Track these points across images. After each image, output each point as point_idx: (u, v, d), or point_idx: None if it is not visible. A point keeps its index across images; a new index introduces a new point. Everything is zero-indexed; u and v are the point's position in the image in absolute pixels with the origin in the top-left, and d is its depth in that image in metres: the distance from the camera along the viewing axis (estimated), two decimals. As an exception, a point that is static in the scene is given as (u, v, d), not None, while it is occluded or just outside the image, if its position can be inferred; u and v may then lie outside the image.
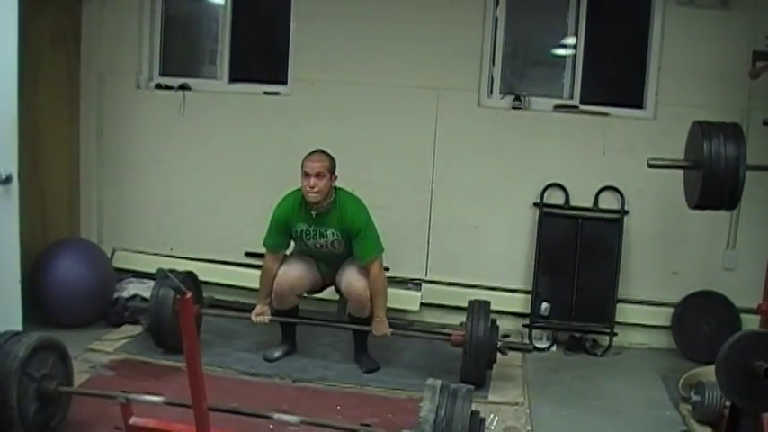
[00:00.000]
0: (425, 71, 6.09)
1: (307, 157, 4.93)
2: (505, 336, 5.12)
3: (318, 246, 5.09)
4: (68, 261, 5.65)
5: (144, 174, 6.56)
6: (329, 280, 5.33)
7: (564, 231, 6.04)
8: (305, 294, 5.33)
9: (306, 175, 4.86)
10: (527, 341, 5.84)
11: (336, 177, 4.98)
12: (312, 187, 4.84)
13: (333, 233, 5.02)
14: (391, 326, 5.11)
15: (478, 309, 4.94)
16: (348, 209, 5.00)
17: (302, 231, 5.06)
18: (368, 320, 5.15)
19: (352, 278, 5.07)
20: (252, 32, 6.65)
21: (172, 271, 3.55)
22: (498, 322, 5.02)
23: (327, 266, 5.26)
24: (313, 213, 4.99)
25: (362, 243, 5.02)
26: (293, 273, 5.14)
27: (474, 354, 4.80)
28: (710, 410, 4.32)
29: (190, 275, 5.21)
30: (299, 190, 4.99)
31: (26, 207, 4.67)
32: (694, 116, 4.03)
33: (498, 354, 4.93)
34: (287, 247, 5.21)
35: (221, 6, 6.56)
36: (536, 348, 5.86)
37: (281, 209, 5.09)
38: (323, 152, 4.95)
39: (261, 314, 5.19)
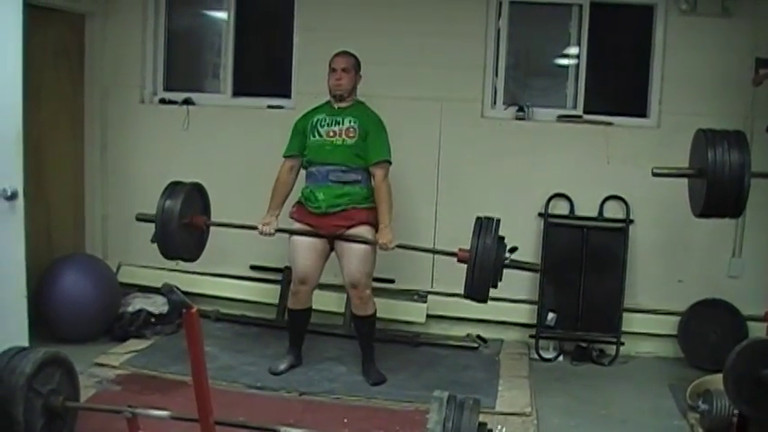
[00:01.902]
0: (429, 83, 6.11)
1: (334, 56, 5.26)
2: (514, 248, 4.88)
3: (331, 134, 5.14)
4: (74, 276, 5.65)
5: (148, 188, 6.50)
6: (330, 231, 5.11)
7: (569, 241, 6.04)
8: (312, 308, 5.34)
9: (333, 70, 5.21)
10: (533, 353, 5.83)
11: (361, 77, 5.30)
12: (339, 79, 5.17)
13: (350, 120, 5.15)
14: (397, 339, 5.09)
15: (486, 225, 4.65)
16: (367, 110, 5.27)
17: (318, 120, 5.19)
18: (371, 321, 5.18)
19: (353, 268, 5.04)
20: (255, 46, 6.68)
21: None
22: (504, 333, 4.98)
23: (328, 196, 5.10)
24: (335, 106, 5.21)
25: (376, 142, 5.14)
26: (303, 271, 5.13)
27: (479, 267, 4.54)
28: (718, 419, 4.29)
29: (196, 186, 5.14)
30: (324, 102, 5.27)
31: (31, 222, 4.67)
32: (698, 124, 4.02)
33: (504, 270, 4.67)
34: (303, 150, 5.24)
35: (224, 21, 6.59)
36: (543, 359, 5.85)
37: (305, 113, 5.32)
38: (349, 53, 5.29)
39: (267, 224, 5.16)
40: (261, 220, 5.16)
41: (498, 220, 4.65)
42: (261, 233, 5.16)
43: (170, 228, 4.84)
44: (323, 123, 5.16)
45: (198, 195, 5.13)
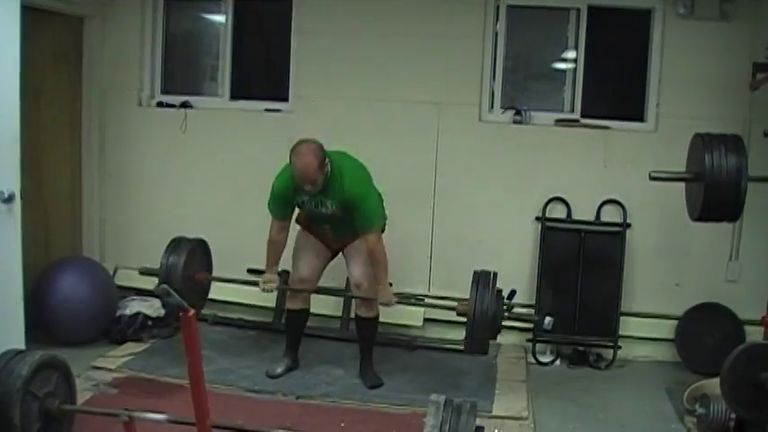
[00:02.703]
0: (426, 86, 6.11)
1: (294, 166, 4.73)
2: (513, 292, 4.92)
3: (321, 212, 5.04)
4: (71, 279, 5.64)
5: (146, 191, 6.57)
6: (338, 247, 5.26)
7: (566, 245, 6.04)
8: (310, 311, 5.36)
9: (300, 187, 4.82)
10: (531, 357, 5.83)
11: (328, 162, 4.80)
12: (308, 191, 4.79)
13: (332, 204, 4.94)
14: (394, 343, 5.09)
15: (484, 278, 4.73)
16: (345, 182, 4.87)
17: (303, 201, 5.02)
18: (374, 323, 5.20)
19: (358, 276, 5.09)
20: (253, 50, 6.67)
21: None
22: (501, 336, 4.97)
23: (335, 229, 5.18)
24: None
25: (361, 215, 4.94)
26: (303, 271, 5.18)
27: (478, 322, 4.60)
28: (716, 423, 4.30)
29: (200, 243, 5.23)
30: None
31: (28, 225, 4.67)
32: (695, 128, 4.03)
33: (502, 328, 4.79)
34: (292, 213, 5.17)
35: (222, 24, 6.59)
36: (540, 362, 5.85)
37: (280, 183, 5.00)
38: (306, 155, 4.70)
39: (268, 281, 5.17)
40: (262, 279, 5.21)
41: (495, 274, 4.75)
42: (263, 290, 5.20)
43: (172, 284, 4.86)
44: (309, 205, 5.02)
45: (201, 251, 5.25)
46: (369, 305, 5.14)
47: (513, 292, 4.84)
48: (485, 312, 4.59)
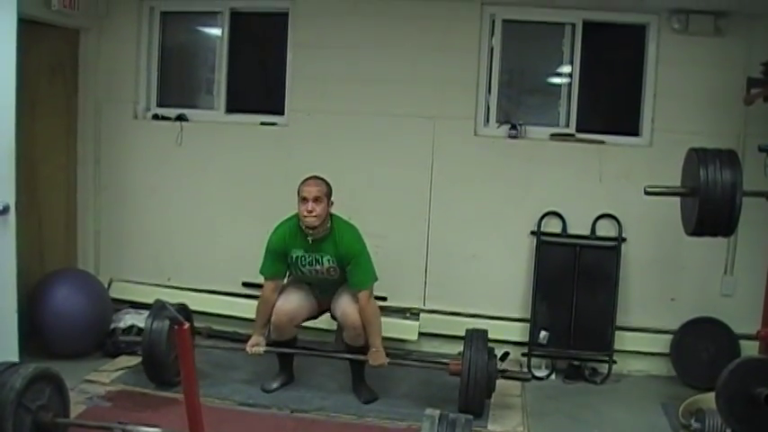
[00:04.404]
0: (422, 100, 6.12)
1: (303, 182, 4.96)
2: (506, 354, 5.03)
3: (314, 272, 5.07)
4: (65, 291, 5.62)
5: (141, 204, 6.56)
6: (325, 306, 5.31)
7: (562, 259, 6.03)
8: (302, 324, 5.32)
9: (303, 200, 4.88)
10: (525, 370, 5.82)
11: (333, 203, 5.00)
12: (310, 211, 4.84)
13: (328, 260, 5.01)
14: (389, 355, 5.08)
15: (476, 337, 4.93)
16: (344, 236, 5.01)
17: (298, 258, 5.04)
18: (364, 349, 5.12)
19: (346, 306, 5.06)
20: (249, 63, 6.68)
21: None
22: (496, 351, 5.00)
23: (323, 292, 5.24)
24: (309, 240, 4.98)
25: (355, 271, 5.01)
26: (291, 304, 5.13)
27: (472, 383, 4.77)
28: (711, 438, 4.29)
29: (183, 308, 5.19)
30: (294, 217, 5.02)
31: (23, 237, 4.67)
32: (690, 143, 4.04)
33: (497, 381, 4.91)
34: (285, 273, 5.20)
35: (218, 37, 6.60)
36: (535, 377, 5.83)
37: (277, 236, 5.07)
38: (319, 178, 4.99)
39: (255, 345, 5.16)
40: (249, 343, 5.19)
41: (486, 332, 4.96)
42: (251, 354, 5.18)
43: (157, 351, 5.02)
44: (303, 262, 5.05)
45: (183, 316, 5.21)
46: (358, 335, 5.08)
47: (506, 354, 4.91)
48: (478, 374, 4.77)
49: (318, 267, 5.04)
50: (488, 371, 4.80)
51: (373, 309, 5.05)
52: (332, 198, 4.98)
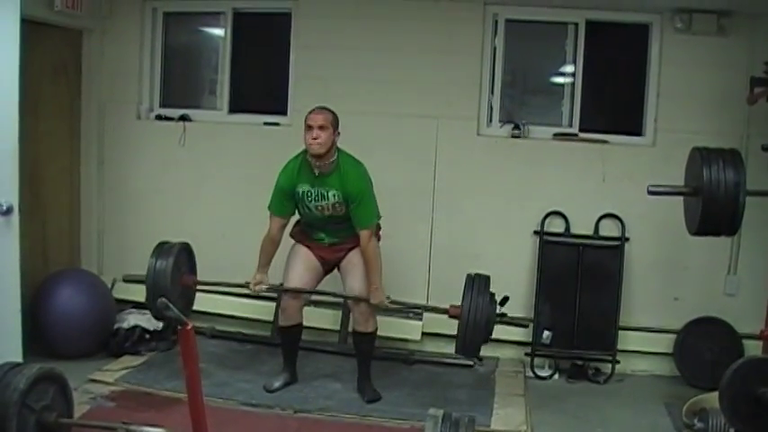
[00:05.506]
0: (425, 100, 6.12)
1: (309, 112, 4.97)
2: (506, 299, 4.93)
3: (320, 208, 5.06)
4: (69, 292, 5.63)
5: (144, 204, 6.57)
6: (331, 258, 5.27)
7: (565, 259, 6.03)
8: (305, 325, 5.33)
9: (309, 128, 4.88)
10: (529, 371, 5.82)
11: (339, 134, 4.99)
12: (315, 138, 4.84)
13: (334, 195, 4.99)
14: (392, 357, 5.08)
15: (478, 281, 4.81)
16: (349, 172, 5.00)
17: (304, 193, 5.03)
18: (371, 338, 5.17)
19: (357, 286, 5.09)
20: (252, 63, 6.68)
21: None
22: (499, 351, 4.98)
23: (330, 234, 5.20)
24: (316, 172, 4.97)
25: (359, 210, 5.00)
26: (294, 282, 5.15)
27: (471, 324, 4.66)
28: (714, 438, 4.29)
29: (185, 247, 5.24)
30: (301, 153, 5.03)
31: (26, 237, 4.68)
32: (693, 142, 4.03)
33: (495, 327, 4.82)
34: (293, 211, 5.18)
35: (221, 38, 6.61)
36: (538, 377, 5.84)
37: (285, 173, 5.08)
38: (325, 108, 5.01)
39: (259, 283, 5.19)
40: (252, 279, 5.21)
41: (488, 277, 4.82)
42: (253, 292, 5.24)
43: (161, 287, 4.95)
44: (309, 197, 5.04)
45: (186, 255, 5.26)
46: (367, 320, 5.12)
47: (505, 299, 4.84)
48: (477, 315, 4.63)
49: (324, 203, 5.03)
50: (488, 314, 4.69)
51: (374, 248, 5.06)
52: (339, 129, 4.98)
